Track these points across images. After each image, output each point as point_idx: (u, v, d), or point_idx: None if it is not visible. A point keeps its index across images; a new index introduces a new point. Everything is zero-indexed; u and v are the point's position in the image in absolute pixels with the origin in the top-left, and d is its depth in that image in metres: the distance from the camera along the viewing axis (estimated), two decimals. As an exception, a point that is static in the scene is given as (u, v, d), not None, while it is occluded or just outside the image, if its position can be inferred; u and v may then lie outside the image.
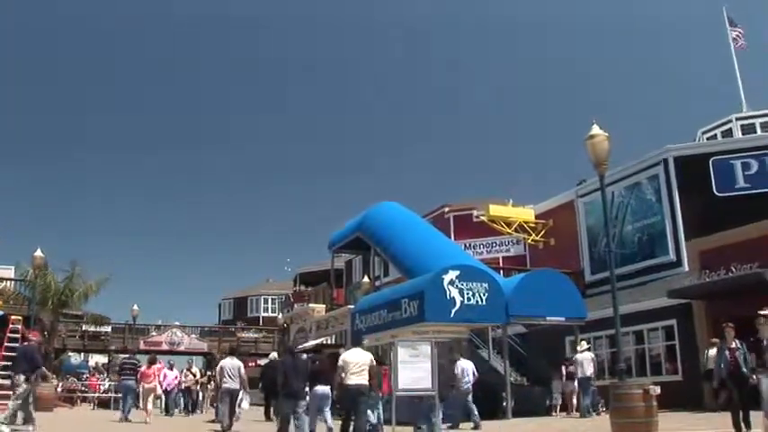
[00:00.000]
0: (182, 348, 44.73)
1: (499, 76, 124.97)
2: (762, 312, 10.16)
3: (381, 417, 14.05)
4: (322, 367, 14.57)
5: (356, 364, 12.39)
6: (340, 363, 12.65)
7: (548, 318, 19.73)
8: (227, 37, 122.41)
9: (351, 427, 12.68)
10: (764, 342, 9.87)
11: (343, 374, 12.35)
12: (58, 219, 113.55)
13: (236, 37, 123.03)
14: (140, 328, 45.13)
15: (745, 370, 10.64)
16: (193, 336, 47.83)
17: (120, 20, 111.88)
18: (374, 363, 12.80)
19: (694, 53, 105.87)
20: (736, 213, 21.05)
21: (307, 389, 13.09)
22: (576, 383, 19.29)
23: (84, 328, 43.21)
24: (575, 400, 19.49)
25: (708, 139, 29.44)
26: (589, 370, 18.74)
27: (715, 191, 24.54)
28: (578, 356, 19.43)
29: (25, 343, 14.96)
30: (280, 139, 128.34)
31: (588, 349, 19.71)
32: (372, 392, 12.71)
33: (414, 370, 13.87)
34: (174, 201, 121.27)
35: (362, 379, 12.26)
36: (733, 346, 11.00)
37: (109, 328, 44.57)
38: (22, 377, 13.17)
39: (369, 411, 13.62)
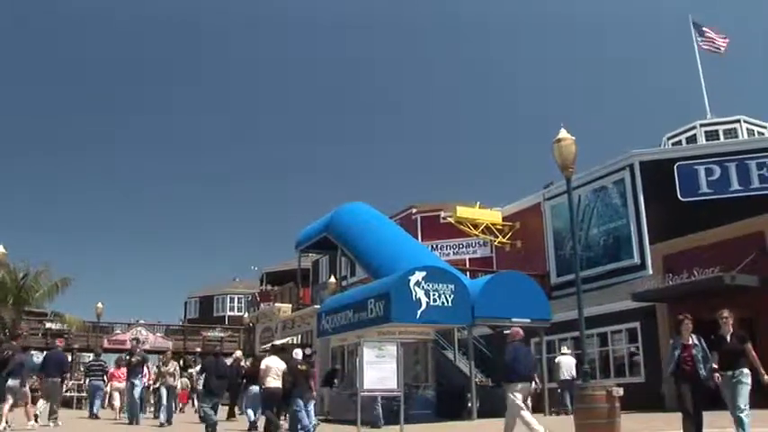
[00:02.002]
0: (146, 347, 44.11)
1: (469, 78, 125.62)
2: (723, 314, 9.95)
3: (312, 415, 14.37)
4: (255, 369, 15.78)
5: (275, 369, 14.04)
6: (262, 367, 14.43)
7: (513, 319, 19.76)
8: (197, 33, 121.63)
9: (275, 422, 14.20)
10: (728, 339, 9.68)
11: (265, 378, 14.04)
12: (23, 216, 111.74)
13: (208, 34, 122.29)
14: (104, 326, 44.55)
15: (702, 371, 9.46)
16: (158, 334, 47.30)
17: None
18: (302, 367, 13.99)
19: (662, 60, 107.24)
20: (699, 218, 21.37)
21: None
22: (532, 385, 19.77)
23: (47, 326, 42.52)
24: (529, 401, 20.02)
25: (673, 144, 29.81)
26: (571, 372, 19.69)
27: (679, 196, 24.86)
28: (558, 358, 20.13)
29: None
30: (246, 139, 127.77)
31: (569, 353, 20.66)
32: (304, 393, 13.78)
33: (379, 370, 13.90)
34: (139, 199, 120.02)
35: (279, 383, 13.90)
36: (689, 342, 9.80)
37: (73, 327, 43.91)
38: (58, 379, 16.99)
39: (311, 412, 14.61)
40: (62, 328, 43.14)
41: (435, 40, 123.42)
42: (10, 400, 14.41)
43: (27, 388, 15.55)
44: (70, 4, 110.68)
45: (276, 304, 32.26)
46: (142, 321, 49.02)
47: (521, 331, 12.02)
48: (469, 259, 32.36)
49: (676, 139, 30.11)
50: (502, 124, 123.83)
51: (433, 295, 18.40)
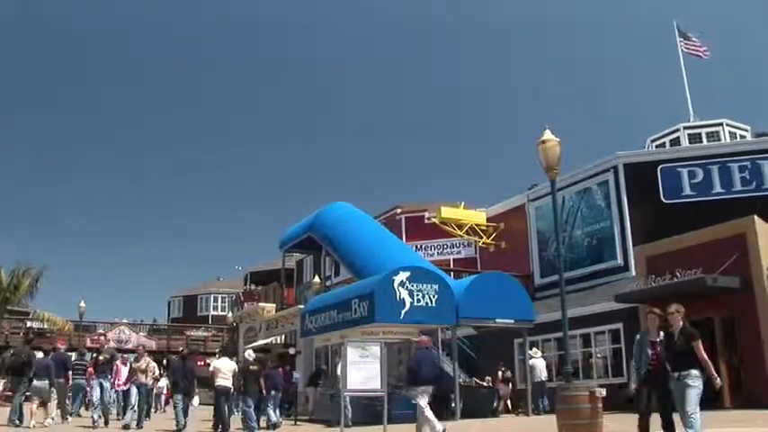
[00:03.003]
0: (129, 346, 43.93)
1: (455, 79, 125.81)
2: (671, 309, 9.12)
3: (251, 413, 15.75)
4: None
5: (225, 369, 15.54)
6: (211, 368, 16.02)
7: (497, 320, 19.87)
8: (164, 33, 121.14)
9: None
10: (675, 336, 8.91)
11: (215, 378, 15.45)
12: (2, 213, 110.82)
13: (177, 32, 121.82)
14: (87, 325, 44.25)
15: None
16: (142, 334, 47.07)
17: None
18: (253, 367, 15.96)
19: (648, 63, 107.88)
20: (681, 220, 21.48)
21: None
22: (509, 386, 21.75)
23: (29, 325, 42.22)
24: (508, 403, 21.74)
25: (656, 147, 29.99)
26: (543, 374, 20.42)
27: (662, 198, 25.00)
28: (532, 362, 20.51)
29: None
30: (229, 139, 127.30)
31: (539, 356, 21.16)
32: (254, 392, 15.75)
33: (363, 370, 13.88)
34: (124, 199, 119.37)
35: (228, 382, 15.38)
36: (658, 339, 9.59)
37: (56, 326, 43.61)
38: (63, 380, 16.44)
39: (269, 410, 17.06)
40: (44, 328, 42.91)
41: (420, 41, 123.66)
42: (36, 401, 15.46)
43: (53, 388, 15.96)
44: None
45: (260, 304, 32.17)
46: (125, 321, 48.80)
47: (426, 339, 13.36)
48: (454, 260, 32.44)
49: (660, 142, 30.30)
50: (488, 125, 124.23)
51: (417, 295, 18.41)
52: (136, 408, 16.00)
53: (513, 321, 20.00)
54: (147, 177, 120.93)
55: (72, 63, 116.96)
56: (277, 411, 17.81)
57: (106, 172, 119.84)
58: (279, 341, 29.21)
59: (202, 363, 35.06)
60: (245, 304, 34.66)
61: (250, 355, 16.79)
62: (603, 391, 10.17)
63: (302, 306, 25.19)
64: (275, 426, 17.12)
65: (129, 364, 18.28)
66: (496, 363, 22.39)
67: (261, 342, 30.19)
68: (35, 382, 15.40)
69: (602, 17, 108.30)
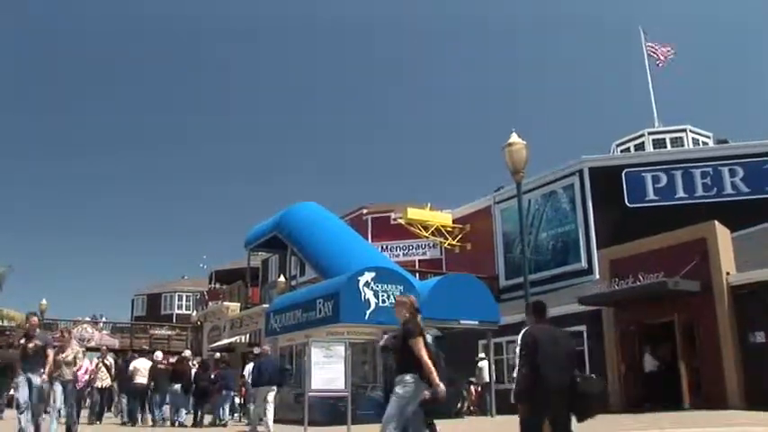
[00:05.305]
0: (92, 344, 43.32)
1: (420, 79, 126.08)
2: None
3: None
4: (178, 368, 18.74)
5: (142, 369, 18.26)
6: (131, 368, 18.44)
7: (462, 321, 19.89)
8: (139, 30, 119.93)
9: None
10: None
11: (134, 376, 18.10)
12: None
13: (152, 30, 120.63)
14: (49, 323, 43.54)
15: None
16: (105, 332, 46.42)
17: None
18: (162, 366, 18.52)
19: (615, 69, 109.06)
20: (645, 224, 21.73)
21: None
22: (472, 388, 22.35)
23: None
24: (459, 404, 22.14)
25: (621, 151, 30.36)
26: (487, 376, 20.92)
27: (627, 202, 25.30)
28: (482, 364, 20.89)
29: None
30: (195, 138, 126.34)
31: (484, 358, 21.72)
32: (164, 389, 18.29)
33: (327, 371, 13.85)
34: (88, 197, 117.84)
35: (145, 380, 18.10)
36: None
37: (14, 323, 42.88)
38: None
39: (220, 409, 18.94)
40: (4, 325, 42.23)
41: (365, 42, 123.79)
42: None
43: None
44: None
45: (225, 303, 31.99)
46: (87, 318, 48.09)
47: (267, 348, 16.70)
48: (419, 260, 32.48)
49: (625, 146, 30.67)
50: (454, 127, 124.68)
51: (383, 296, 18.38)
52: (61, 411, 12.40)
53: (477, 323, 20.05)
54: (113, 175, 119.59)
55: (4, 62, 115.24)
56: (226, 410, 19.06)
57: (70, 170, 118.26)
58: (243, 340, 29.03)
59: (166, 362, 34.75)
60: (210, 303, 34.45)
61: (158, 355, 19.33)
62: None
63: (267, 305, 25.04)
64: (224, 424, 18.29)
65: (96, 361, 18.32)
66: (461, 364, 22.44)
67: (225, 341, 29.99)
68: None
69: (573, 19, 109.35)
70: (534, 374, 5.98)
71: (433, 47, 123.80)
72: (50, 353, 12.05)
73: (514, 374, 6.26)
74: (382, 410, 6.23)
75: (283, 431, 15.28)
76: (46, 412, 12.26)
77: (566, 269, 25.73)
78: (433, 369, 6.64)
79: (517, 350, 6.21)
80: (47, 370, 11.75)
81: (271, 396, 15.04)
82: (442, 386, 6.70)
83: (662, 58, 31.93)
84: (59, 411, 12.26)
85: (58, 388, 12.07)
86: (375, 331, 19.58)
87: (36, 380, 11.79)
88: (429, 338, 8.21)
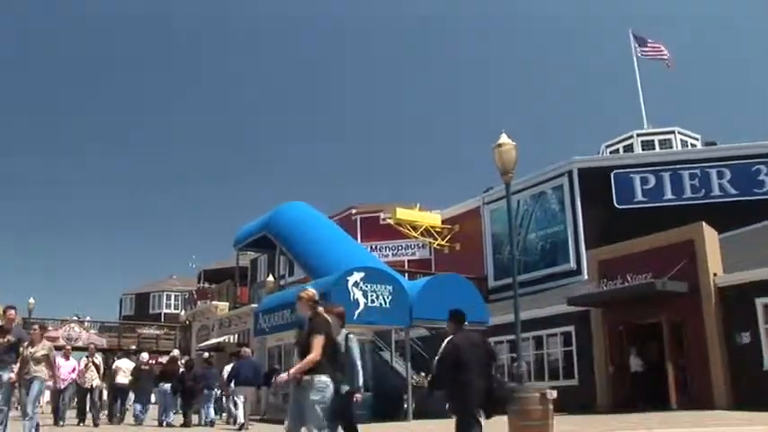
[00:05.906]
0: (79, 344, 43.13)
1: (412, 79, 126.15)
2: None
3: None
4: (168, 368, 19.01)
5: (124, 369, 18.55)
6: (114, 367, 18.77)
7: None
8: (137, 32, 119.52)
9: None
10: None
11: (116, 375, 18.41)
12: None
13: (146, 31, 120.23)
14: (37, 322, 43.29)
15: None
16: (92, 331, 46.22)
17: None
18: (145, 367, 18.89)
19: (604, 70, 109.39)
20: (633, 225, 21.85)
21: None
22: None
23: (-27, 322, 41.17)
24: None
25: (610, 152, 30.46)
26: None
27: (615, 203, 25.40)
28: None
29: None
30: (183, 139, 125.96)
31: None
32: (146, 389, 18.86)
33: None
34: (77, 196, 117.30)
35: (127, 379, 18.42)
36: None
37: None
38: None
39: (204, 409, 18.60)
40: (-10, 323, 41.92)
41: (363, 43, 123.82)
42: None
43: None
44: None
45: (213, 302, 31.89)
46: (75, 318, 47.91)
47: (248, 350, 18.20)
48: (408, 261, 32.52)
49: (614, 148, 30.78)
50: (444, 127, 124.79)
51: (372, 296, 18.39)
52: (31, 412, 11.35)
53: (466, 323, 20.08)
54: (102, 174, 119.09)
55: None
56: (211, 409, 18.91)
57: (59, 170, 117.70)
58: (232, 340, 28.97)
59: (154, 361, 34.67)
60: (199, 302, 34.35)
61: (143, 356, 19.62)
62: (554, 393, 10.27)
63: (256, 305, 24.98)
64: (211, 423, 18.33)
65: (85, 360, 18.10)
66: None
67: (214, 341, 29.92)
68: None
69: (561, 20, 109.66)
70: (455, 378, 7.56)
71: (422, 47, 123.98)
72: (22, 350, 11.42)
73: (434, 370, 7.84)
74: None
75: (271, 430, 15.26)
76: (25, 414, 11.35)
77: (554, 270, 25.82)
78: (306, 367, 6.26)
79: (436, 358, 7.65)
80: (16, 367, 11.11)
81: (246, 395, 16.56)
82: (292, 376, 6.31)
83: (661, 52, 32.01)
84: (30, 415, 11.27)
85: (35, 386, 11.40)
86: (364, 331, 19.61)
87: (5, 375, 11.06)
88: (355, 347, 8.35)
